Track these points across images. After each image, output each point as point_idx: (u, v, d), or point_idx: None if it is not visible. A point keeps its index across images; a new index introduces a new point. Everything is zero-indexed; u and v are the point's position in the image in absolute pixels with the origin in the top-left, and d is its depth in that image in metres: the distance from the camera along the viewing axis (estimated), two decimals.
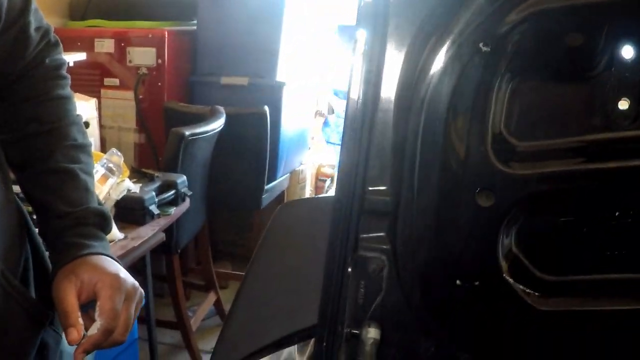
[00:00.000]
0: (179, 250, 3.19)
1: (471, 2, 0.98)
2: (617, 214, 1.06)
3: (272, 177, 3.85)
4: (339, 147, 1.06)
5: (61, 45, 1.25)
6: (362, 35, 1.03)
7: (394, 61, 1.03)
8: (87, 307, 1.09)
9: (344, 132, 1.05)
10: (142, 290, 1.14)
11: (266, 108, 3.54)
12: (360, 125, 1.03)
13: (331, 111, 4.96)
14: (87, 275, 1.08)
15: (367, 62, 1.03)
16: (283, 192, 4.26)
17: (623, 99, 1.04)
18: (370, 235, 1.06)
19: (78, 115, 1.25)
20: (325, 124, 4.89)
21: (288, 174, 4.25)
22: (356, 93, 1.03)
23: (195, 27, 3.83)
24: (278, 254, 1.55)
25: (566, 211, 1.05)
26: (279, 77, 3.72)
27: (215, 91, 3.72)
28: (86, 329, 1.06)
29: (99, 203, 1.18)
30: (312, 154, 4.71)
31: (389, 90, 1.03)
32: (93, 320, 1.07)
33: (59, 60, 1.24)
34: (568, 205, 1.05)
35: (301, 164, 4.47)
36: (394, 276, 1.06)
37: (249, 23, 3.65)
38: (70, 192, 1.16)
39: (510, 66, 1.00)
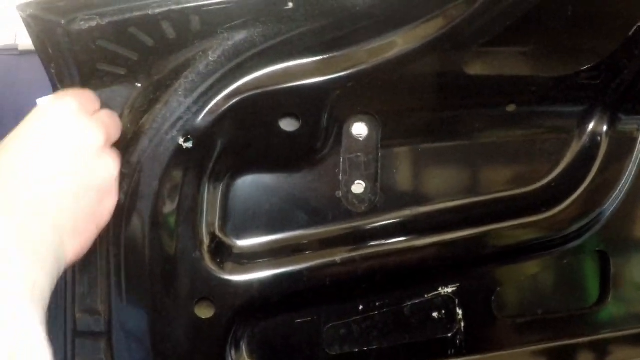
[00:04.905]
0: None
1: (167, 95, 0.88)
2: (360, 308, 0.98)
3: None
4: None
5: None
6: None
7: None
8: None
9: None
10: None
11: None
12: None
13: None
14: None
15: None
16: None
17: (357, 182, 0.96)
18: (88, 359, 0.94)
19: None
20: None
21: None
22: None
23: None
24: None
25: (301, 311, 0.96)
26: None
27: None
28: None
29: None
30: None
31: None
32: None
33: None
34: (301, 304, 0.96)
35: None
36: None
37: None
38: None
39: (220, 161, 0.91)
